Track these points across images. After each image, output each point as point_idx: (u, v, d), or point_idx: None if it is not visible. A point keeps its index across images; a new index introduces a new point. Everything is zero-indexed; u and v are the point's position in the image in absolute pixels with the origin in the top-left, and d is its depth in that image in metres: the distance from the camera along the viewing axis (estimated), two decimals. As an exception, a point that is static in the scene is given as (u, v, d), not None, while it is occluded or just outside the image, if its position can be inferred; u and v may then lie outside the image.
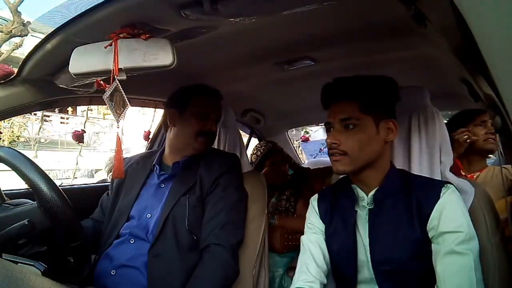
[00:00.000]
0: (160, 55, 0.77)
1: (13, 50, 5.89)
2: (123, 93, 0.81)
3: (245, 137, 2.18)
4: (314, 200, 0.99)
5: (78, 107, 9.68)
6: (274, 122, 2.22)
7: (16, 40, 5.75)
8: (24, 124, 8.99)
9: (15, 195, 1.03)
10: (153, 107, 1.71)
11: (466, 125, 1.49)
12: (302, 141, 3.49)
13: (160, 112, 1.78)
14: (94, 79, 0.92)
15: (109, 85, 0.81)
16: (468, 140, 1.41)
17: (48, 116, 10.12)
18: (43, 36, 0.89)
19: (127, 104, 0.83)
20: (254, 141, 2.26)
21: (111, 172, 1.80)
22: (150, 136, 1.81)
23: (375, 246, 0.84)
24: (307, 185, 1.71)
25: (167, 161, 1.20)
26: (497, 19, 0.39)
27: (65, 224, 0.85)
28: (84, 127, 2.06)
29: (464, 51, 0.66)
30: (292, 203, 1.63)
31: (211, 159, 1.17)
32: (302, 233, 0.98)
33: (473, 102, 1.00)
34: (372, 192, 0.86)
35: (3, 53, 5.91)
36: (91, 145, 10.07)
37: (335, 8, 0.84)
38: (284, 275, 1.46)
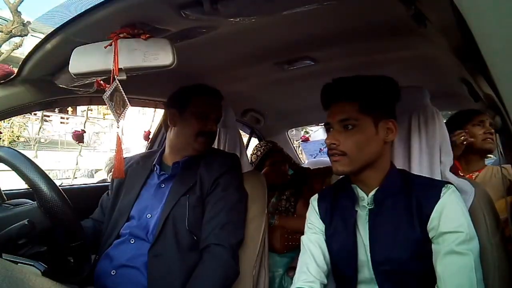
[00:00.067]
0: (160, 55, 0.77)
1: (13, 50, 5.90)
2: (123, 93, 0.81)
3: (245, 137, 2.18)
4: (314, 200, 0.99)
5: (78, 107, 9.68)
6: (274, 122, 2.22)
7: (16, 40, 5.75)
8: (24, 124, 8.99)
9: (15, 195, 1.03)
10: (153, 107, 1.71)
11: (464, 125, 1.49)
12: (302, 141, 3.49)
13: (160, 112, 1.78)
14: (94, 79, 0.92)
15: (109, 85, 0.80)
16: (464, 142, 1.41)
17: (48, 116, 10.13)
18: (43, 36, 0.89)
19: (127, 104, 0.83)
20: (254, 141, 2.26)
21: (111, 172, 1.80)
22: (150, 136, 1.81)
23: (375, 246, 0.84)
24: (307, 185, 1.71)
25: (167, 161, 1.20)
26: (497, 19, 0.39)
27: (65, 224, 0.85)
28: (84, 127, 2.06)
29: (464, 51, 0.66)
30: (292, 203, 1.63)
31: (211, 159, 1.17)
32: (302, 233, 0.98)
33: (473, 102, 1.00)
34: (373, 192, 0.86)
35: (3, 53, 5.92)
36: (91, 145, 10.07)
37: (335, 8, 0.84)
38: (284, 275, 1.46)
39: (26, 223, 0.81)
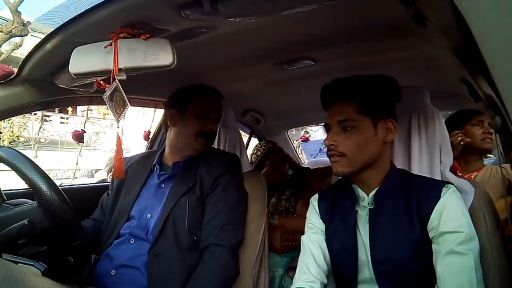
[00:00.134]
0: (160, 55, 0.77)
1: (13, 50, 5.90)
2: (123, 93, 0.81)
3: (245, 137, 2.18)
4: (314, 200, 0.99)
5: (78, 107, 9.68)
6: (274, 122, 2.22)
7: (16, 40, 5.76)
8: (24, 124, 8.99)
9: (15, 195, 1.03)
10: (153, 107, 1.71)
11: (463, 125, 1.49)
12: (302, 141, 3.49)
13: (160, 112, 1.78)
14: (94, 79, 0.92)
15: (109, 85, 0.80)
16: (462, 143, 1.42)
17: (48, 116, 10.13)
18: (43, 36, 0.89)
19: (127, 104, 0.83)
20: (254, 141, 2.26)
21: (111, 172, 1.80)
22: (150, 136, 1.81)
23: (375, 246, 0.84)
24: (307, 185, 1.71)
25: (167, 161, 1.20)
26: (497, 19, 0.39)
27: (65, 224, 0.85)
28: (84, 127, 2.06)
29: (464, 51, 0.66)
30: (292, 203, 1.63)
31: (211, 159, 1.17)
32: (302, 233, 0.98)
33: (473, 102, 1.00)
34: (373, 192, 0.86)
35: (3, 53, 5.92)
36: (91, 145, 10.07)
37: (335, 8, 0.83)
38: (284, 275, 1.46)
39: (26, 223, 0.81)
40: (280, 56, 1.25)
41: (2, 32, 5.31)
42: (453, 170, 1.01)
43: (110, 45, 0.78)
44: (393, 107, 0.88)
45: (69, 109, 10.81)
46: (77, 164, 4.40)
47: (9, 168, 0.82)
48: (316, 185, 1.68)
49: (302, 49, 1.20)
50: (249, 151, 1.91)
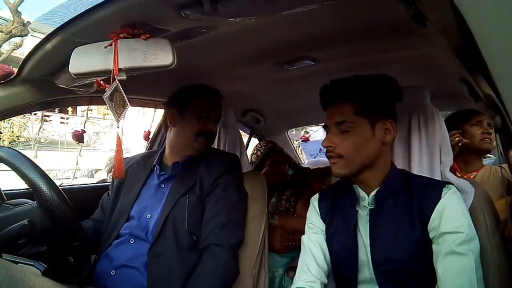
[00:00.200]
0: (160, 55, 0.77)
1: (13, 50, 5.90)
2: (123, 93, 0.81)
3: (245, 137, 2.18)
4: (314, 200, 0.99)
5: (78, 107, 9.68)
6: (274, 122, 2.22)
7: (16, 40, 5.76)
8: (24, 124, 8.99)
9: (15, 195, 1.03)
10: (153, 107, 1.71)
11: (462, 125, 1.50)
12: (302, 141, 3.49)
13: (160, 112, 1.78)
14: (94, 79, 0.92)
15: (109, 85, 0.80)
16: (460, 144, 1.42)
17: (48, 116, 10.13)
18: (43, 36, 0.89)
19: (127, 104, 0.83)
20: (254, 141, 2.26)
21: (111, 172, 1.80)
22: (150, 136, 1.81)
23: (376, 246, 0.84)
24: (307, 185, 1.71)
25: (167, 161, 1.20)
26: (497, 19, 0.39)
27: (65, 224, 0.85)
28: (84, 127, 2.06)
29: (464, 51, 0.66)
30: (292, 203, 1.63)
31: (211, 159, 1.17)
32: (302, 233, 0.98)
33: (473, 102, 1.00)
34: (373, 193, 0.86)
35: (3, 53, 5.92)
36: (91, 145, 10.07)
37: (335, 8, 0.83)
38: (284, 275, 1.46)
39: (26, 223, 0.81)
40: (280, 56, 1.25)
41: (2, 32, 5.31)
42: (452, 170, 1.01)
43: (110, 45, 0.78)
44: (392, 107, 0.87)
45: (69, 109, 10.81)
46: (77, 164, 4.39)
47: (9, 168, 0.82)
48: (316, 185, 1.68)
49: (302, 49, 1.20)
50: (249, 151, 1.91)
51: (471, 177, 1.47)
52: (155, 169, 1.18)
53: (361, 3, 0.83)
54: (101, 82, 0.91)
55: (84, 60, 0.82)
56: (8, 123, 8.09)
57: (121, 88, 0.80)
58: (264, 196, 1.24)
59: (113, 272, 1.01)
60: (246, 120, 2.09)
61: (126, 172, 1.16)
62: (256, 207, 1.20)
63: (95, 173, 7.87)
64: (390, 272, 0.82)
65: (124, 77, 0.79)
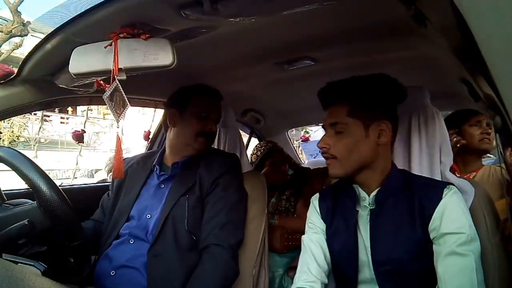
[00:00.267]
0: (160, 55, 0.77)
1: (13, 50, 5.90)
2: (123, 93, 0.81)
3: (245, 137, 2.18)
4: (315, 200, 0.99)
5: (78, 107, 9.67)
6: (274, 122, 2.22)
7: (16, 40, 5.76)
8: (24, 124, 8.98)
9: (15, 195, 1.03)
10: (153, 107, 1.71)
11: (461, 125, 1.50)
12: (302, 141, 3.49)
13: (160, 112, 1.78)
14: (94, 79, 0.92)
15: (109, 85, 0.80)
16: (458, 145, 1.42)
17: (48, 116, 10.12)
18: (43, 36, 0.89)
19: (127, 104, 0.83)
20: (254, 141, 2.26)
21: (111, 172, 1.80)
22: (150, 136, 1.81)
23: (376, 246, 0.84)
24: (307, 185, 1.71)
25: (167, 162, 1.20)
26: (497, 19, 0.39)
27: (65, 224, 0.85)
28: (84, 127, 2.06)
29: (464, 51, 0.66)
30: (292, 203, 1.63)
31: (211, 159, 1.17)
32: (302, 233, 0.98)
33: (473, 102, 1.00)
34: (374, 193, 0.86)
35: (3, 53, 5.92)
36: (91, 145, 10.07)
37: (335, 8, 0.83)
38: (284, 275, 1.46)
39: (26, 223, 0.81)
40: (280, 56, 1.25)
41: (2, 32, 5.31)
42: (451, 171, 1.01)
43: (110, 45, 0.78)
44: (389, 108, 0.86)
45: (69, 109, 10.80)
46: (77, 164, 4.39)
47: (9, 168, 0.82)
48: (316, 185, 1.68)
49: (302, 49, 1.20)
50: (249, 151, 1.91)
51: (471, 177, 1.47)
52: (155, 169, 1.18)
53: (361, 3, 0.83)
54: (101, 82, 0.91)
55: (84, 60, 0.82)
56: (8, 123, 8.08)
57: (121, 88, 0.80)
58: (264, 196, 1.24)
59: (113, 273, 1.01)
60: (246, 120, 2.09)
61: (126, 172, 1.17)
62: (256, 207, 1.20)
63: (95, 173, 7.87)
64: (391, 272, 0.82)
65: (124, 77, 0.79)
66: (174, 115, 1.18)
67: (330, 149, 0.85)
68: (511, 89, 0.43)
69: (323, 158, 0.90)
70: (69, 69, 0.83)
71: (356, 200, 0.89)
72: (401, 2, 0.72)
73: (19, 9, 5.25)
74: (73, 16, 0.78)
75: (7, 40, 5.55)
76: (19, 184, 1.08)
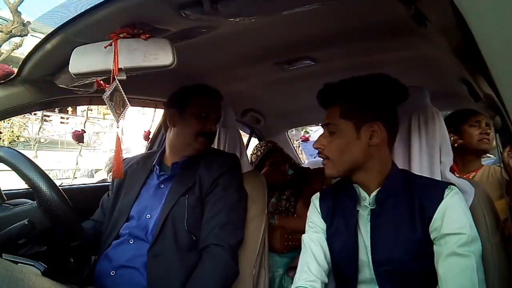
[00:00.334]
0: (160, 55, 0.77)
1: (13, 50, 5.90)
2: (123, 93, 0.81)
3: (245, 137, 2.18)
4: (316, 199, 0.99)
5: (78, 107, 9.68)
6: (274, 122, 2.22)
7: (16, 40, 5.75)
8: (24, 124, 8.98)
9: (15, 195, 1.03)
10: (153, 107, 1.71)
11: (460, 126, 1.50)
12: (302, 141, 3.49)
13: (160, 112, 1.78)
14: (94, 79, 0.92)
15: (109, 85, 0.80)
16: (455, 144, 1.42)
17: (48, 116, 10.12)
18: (43, 36, 0.89)
19: (127, 104, 0.83)
20: (254, 141, 2.26)
21: (111, 172, 1.80)
22: (150, 136, 1.81)
23: (376, 246, 0.84)
24: (307, 185, 1.71)
25: (167, 162, 1.20)
26: (497, 19, 0.39)
27: (65, 224, 0.85)
28: (84, 127, 2.06)
29: (464, 51, 0.66)
30: (292, 203, 1.63)
31: (211, 159, 1.17)
32: (302, 233, 0.98)
33: (473, 102, 1.00)
34: (374, 193, 0.86)
35: (3, 53, 5.92)
36: (91, 145, 10.07)
37: (335, 8, 0.84)
38: (284, 275, 1.46)
39: (26, 223, 0.81)
40: (280, 56, 1.25)
41: (2, 32, 5.31)
42: (450, 171, 1.01)
43: (110, 45, 0.78)
44: (382, 108, 0.85)
45: (69, 109, 10.81)
46: (77, 164, 4.40)
47: (9, 168, 0.82)
48: (316, 185, 1.68)
49: (302, 49, 1.20)
50: (249, 151, 1.91)
51: (470, 177, 1.47)
52: (155, 169, 1.18)
53: (361, 3, 0.84)
54: (101, 82, 0.91)
55: (84, 60, 0.82)
56: (8, 123, 8.09)
57: (121, 88, 0.80)
58: (264, 196, 1.24)
59: (112, 273, 1.01)
60: (246, 120, 2.09)
61: (126, 172, 1.17)
62: (256, 207, 1.20)
63: (95, 173, 7.87)
64: (390, 272, 0.82)
65: (124, 77, 0.79)
66: (174, 115, 1.18)
67: (325, 150, 0.87)
68: (511, 89, 0.43)
69: (322, 158, 0.90)
70: (69, 69, 0.83)
71: (356, 200, 0.89)
72: (401, 2, 0.72)
73: (19, 9, 5.25)
74: (73, 16, 0.78)
75: (7, 40, 5.55)
76: (19, 184, 1.08)
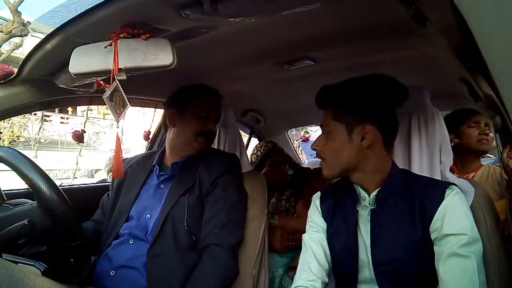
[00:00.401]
0: (160, 55, 0.77)
1: (13, 50, 5.90)
2: (123, 93, 0.81)
3: (245, 137, 2.18)
4: (316, 199, 0.99)
5: (78, 107, 9.68)
6: (274, 122, 2.22)
7: (16, 40, 5.76)
8: (24, 124, 8.99)
9: (15, 195, 1.03)
10: (153, 107, 1.71)
11: (459, 126, 1.49)
12: (302, 141, 3.49)
13: (160, 112, 1.78)
14: (94, 79, 0.92)
15: (109, 85, 0.80)
16: (452, 144, 1.41)
17: (48, 116, 10.13)
18: (43, 36, 0.89)
19: (127, 104, 0.83)
20: (254, 141, 2.26)
21: (111, 172, 1.80)
22: (150, 136, 1.81)
23: (376, 246, 0.84)
24: (307, 185, 1.71)
25: (167, 162, 1.20)
26: (497, 19, 0.39)
27: (65, 224, 0.85)
28: (84, 127, 2.06)
29: (464, 51, 0.66)
30: (292, 203, 1.63)
31: (211, 159, 1.17)
32: (302, 233, 0.98)
33: (473, 102, 1.00)
34: (375, 193, 0.86)
35: (3, 53, 5.92)
36: (91, 145, 10.07)
37: (335, 8, 0.84)
38: (284, 275, 1.46)
39: (26, 223, 0.81)
40: (280, 56, 1.25)
41: (2, 32, 5.31)
42: (450, 171, 1.01)
43: (110, 45, 0.78)
44: (374, 110, 0.84)
45: (69, 109, 10.81)
46: (77, 164, 4.40)
47: (9, 168, 0.82)
48: (316, 185, 1.68)
49: (302, 49, 1.20)
50: (249, 151, 1.91)
51: (470, 177, 1.47)
52: (155, 169, 1.18)
53: (361, 3, 0.84)
54: (101, 82, 0.91)
55: (84, 60, 0.82)
56: (8, 123, 8.09)
57: (121, 88, 0.80)
58: (264, 196, 1.24)
59: (112, 273, 1.01)
60: (246, 120, 2.09)
61: (126, 172, 1.17)
62: (256, 207, 1.20)
63: (95, 173, 7.87)
64: (390, 272, 0.82)
65: (124, 77, 0.79)
66: (174, 115, 1.18)
67: (321, 151, 0.88)
68: (511, 89, 0.43)
69: (323, 158, 0.91)
70: (69, 69, 0.83)
71: (356, 200, 0.89)
72: (401, 2, 0.72)
73: (19, 9, 5.25)
74: (73, 16, 0.78)
75: (7, 40, 5.56)
76: (19, 184, 1.08)
